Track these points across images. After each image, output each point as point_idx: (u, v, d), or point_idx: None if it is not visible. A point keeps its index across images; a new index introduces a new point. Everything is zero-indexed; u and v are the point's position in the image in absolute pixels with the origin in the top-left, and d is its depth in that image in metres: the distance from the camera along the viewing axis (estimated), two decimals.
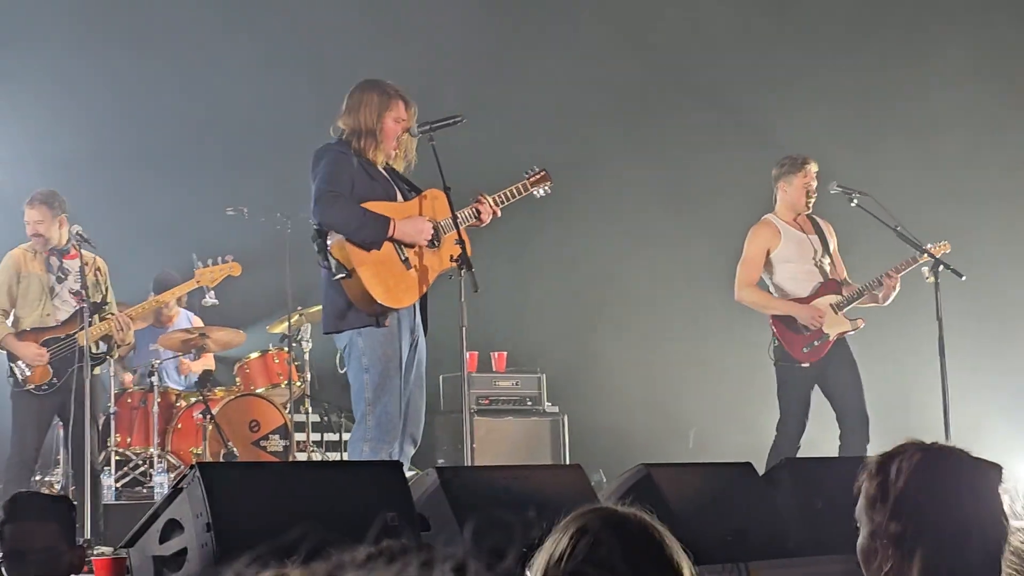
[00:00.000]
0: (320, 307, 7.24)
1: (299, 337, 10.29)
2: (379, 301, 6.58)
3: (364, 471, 5.76)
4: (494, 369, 10.80)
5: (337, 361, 6.97)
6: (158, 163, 12.09)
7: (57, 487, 9.22)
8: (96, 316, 7.93)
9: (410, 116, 6.85)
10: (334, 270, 6.59)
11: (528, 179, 7.24)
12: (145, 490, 9.49)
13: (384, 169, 6.87)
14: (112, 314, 8.17)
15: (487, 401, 10.58)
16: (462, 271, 6.61)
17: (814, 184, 8.48)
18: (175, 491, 4.87)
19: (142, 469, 9.65)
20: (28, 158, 11.33)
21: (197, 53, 11.91)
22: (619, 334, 12.08)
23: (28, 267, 8.13)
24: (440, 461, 10.41)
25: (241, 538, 4.71)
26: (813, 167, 8.47)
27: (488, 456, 9.92)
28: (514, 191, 7.14)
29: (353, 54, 11.39)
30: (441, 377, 10.58)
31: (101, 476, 8.57)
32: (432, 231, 6.75)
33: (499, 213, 6.99)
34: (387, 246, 6.65)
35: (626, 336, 12.08)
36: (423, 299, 6.88)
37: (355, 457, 6.72)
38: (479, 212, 6.88)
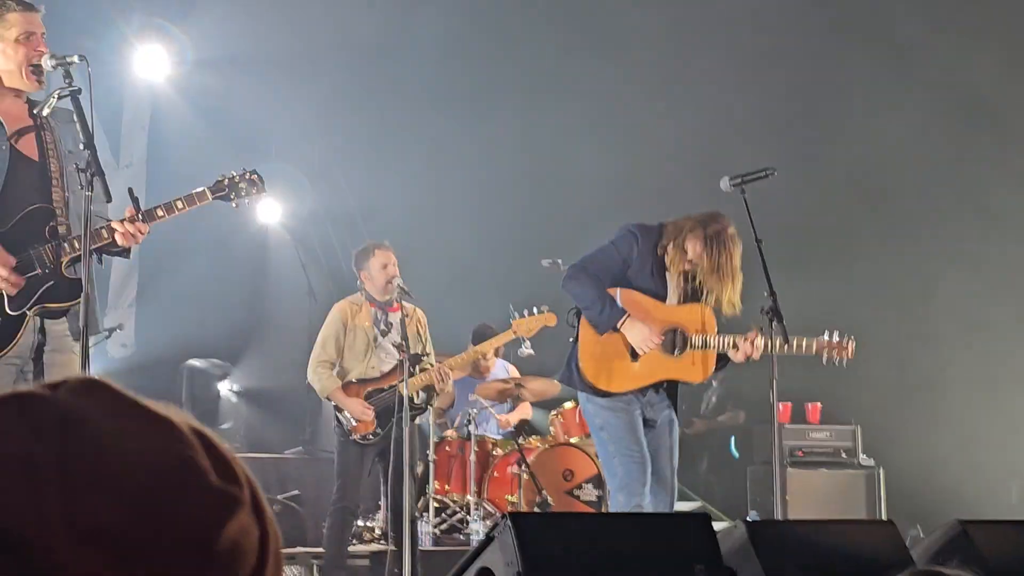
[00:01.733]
0: None
1: None
2: (585, 376, 6.97)
3: (672, 522, 5.79)
4: (808, 420, 10.67)
5: None
6: (475, 215, 12.47)
7: (378, 532, 9.57)
8: (416, 367, 8.20)
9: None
10: (572, 328, 7.07)
11: (828, 345, 6.97)
12: (462, 536, 9.71)
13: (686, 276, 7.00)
14: (431, 365, 8.43)
15: (800, 453, 10.45)
16: (772, 323, 6.58)
17: None
18: (487, 540, 5.01)
19: (459, 516, 9.89)
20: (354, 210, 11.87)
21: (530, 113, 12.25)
22: (935, 386, 11.73)
23: (355, 319, 8.47)
24: (752, 512, 10.33)
25: None
26: None
27: (800, 508, 9.79)
28: (803, 347, 6.92)
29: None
30: (754, 429, 10.51)
31: (419, 523, 8.85)
32: (658, 345, 6.90)
33: (757, 357, 6.85)
34: (620, 335, 6.93)
35: (943, 388, 11.72)
36: (672, 390, 7.10)
37: (615, 508, 7.04)
38: (736, 345, 6.89)
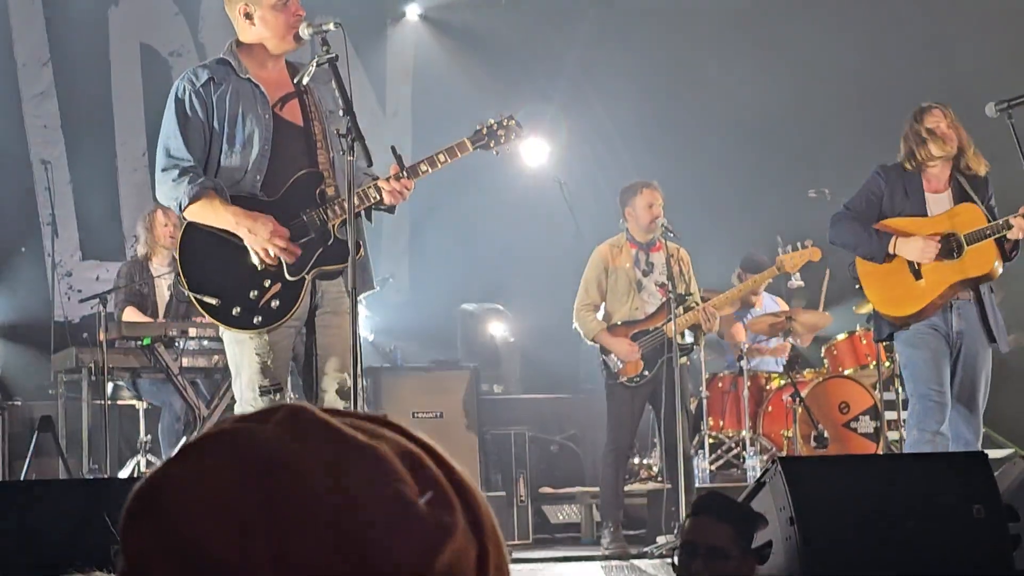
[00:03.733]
0: None
1: None
2: (882, 312, 7.12)
3: (947, 462, 5.65)
4: None
5: None
6: (741, 147, 12.34)
7: (655, 470, 9.62)
8: (681, 307, 8.17)
9: (949, 116, 7.06)
10: (854, 282, 7.24)
11: None
12: (738, 472, 9.69)
13: (956, 176, 7.01)
14: (697, 304, 8.39)
15: None
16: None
17: None
18: (758, 485, 4.99)
19: (735, 452, 9.86)
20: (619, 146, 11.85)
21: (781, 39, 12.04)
22: None
23: (616, 261, 8.49)
24: None
25: (824, 531, 4.79)
26: None
27: None
28: None
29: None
30: None
31: (695, 460, 8.86)
32: (937, 251, 6.89)
33: None
34: (899, 259, 6.99)
35: None
36: (978, 306, 6.98)
37: (909, 441, 7.02)
38: (1010, 224, 6.81)
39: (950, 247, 6.91)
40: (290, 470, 1.02)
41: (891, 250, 6.97)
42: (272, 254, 5.30)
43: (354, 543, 0.99)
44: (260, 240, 5.28)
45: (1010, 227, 6.77)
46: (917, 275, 6.95)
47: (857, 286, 7.28)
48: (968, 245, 6.87)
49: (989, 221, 6.85)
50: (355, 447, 1.05)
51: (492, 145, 5.74)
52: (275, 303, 5.38)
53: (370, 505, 1.01)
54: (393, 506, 1.01)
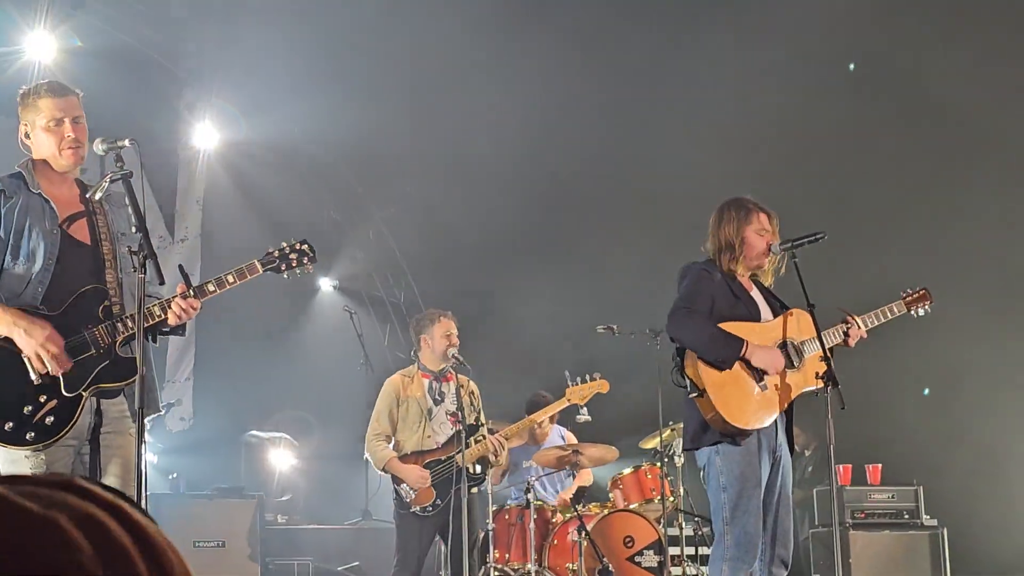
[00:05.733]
0: None
1: (671, 452, 10.32)
2: (730, 422, 6.51)
3: None
4: (869, 482, 10.56)
5: (701, 478, 6.96)
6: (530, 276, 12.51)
7: None
8: (472, 439, 8.20)
9: (773, 226, 6.82)
10: (688, 389, 6.61)
11: (905, 299, 7.08)
12: None
13: (756, 285, 6.86)
14: (486, 436, 8.43)
15: (863, 515, 10.34)
16: (828, 388, 6.51)
17: None
18: None
19: None
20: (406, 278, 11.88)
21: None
22: (1000, 441, 11.56)
23: (407, 391, 8.50)
24: None
25: None
26: None
27: (864, 571, 9.69)
28: (888, 311, 6.98)
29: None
30: (815, 491, 10.41)
31: None
32: (784, 363, 6.63)
33: (865, 335, 6.86)
34: (741, 366, 6.58)
35: (1008, 443, 11.55)
36: (788, 418, 6.77)
37: None
38: (847, 333, 6.79)
39: (788, 356, 6.67)
40: None
41: (742, 355, 6.56)
42: (45, 360, 5.17)
43: None
44: (34, 344, 5.15)
45: (846, 337, 6.76)
46: (763, 386, 6.58)
47: (693, 395, 6.59)
48: (808, 354, 6.69)
49: (816, 326, 6.63)
50: (32, 519, 0.99)
51: (283, 269, 5.72)
52: (50, 419, 5.21)
53: None
54: None
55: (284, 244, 5.75)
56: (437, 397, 8.51)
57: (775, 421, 6.69)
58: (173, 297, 5.37)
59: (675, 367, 6.73)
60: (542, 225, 12.88)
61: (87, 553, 0.98)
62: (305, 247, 5.79)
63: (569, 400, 8.87)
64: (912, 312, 7.09)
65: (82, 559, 0.98)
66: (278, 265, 5.70)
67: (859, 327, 6.83)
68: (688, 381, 6.64)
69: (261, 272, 5.64)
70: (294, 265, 5.75)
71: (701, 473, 6.89)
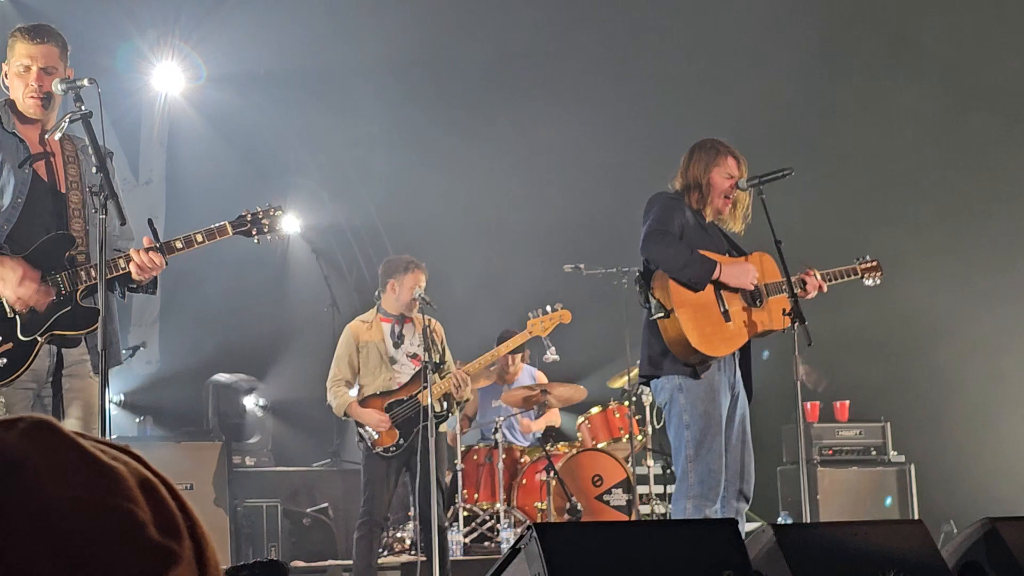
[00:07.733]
0: None
1: (639, 391, 10.33)
2: (694, 346, 6.46)
3: (700, 529, 5.74)
4: (837, 419, 10.61)
5: (661, 416, 6.95)
6: (495, 224, 12.47)
7: (408, 542, 9.55)
8: (436, 376, 8.16)
9: (741, 171, 6.81)
10: (653, 310, 6.55)
11: (859, 265, 7.18)
12: (492, 545, 9.70)
13: (720, 232, 6.85)
14: (449, 372, 8.39)
15: (830, 452, 10.40)
16: (795, 324, 6.52)
17: None
18: (513, 552, 4.98)
19: (489, 524, 9.87)
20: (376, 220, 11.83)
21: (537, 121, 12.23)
22: (966, 377, 11.58)
23: (366, 336, 8.44)
24: (784, 513, 10.29)
25: None
26: None
27: (831, 507, 9.76)
28: (843, 272, 7.07)
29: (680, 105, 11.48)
30: (783, 429, 10.45)
31: (449, 532, 8.82)
32: (756, 278, 6.65)
33: (825, 289, 6.86)
34: (709, 294, 6.55)
35: (974, 379, 11.58)
36: (745, 358, 6.77)
37: (678, 514, 6.63)
38: (805, 283, 6.80)
39: (753, 294, 6.67)
40: (24, 472, 1.02)
41: (717, 276, 6.52)
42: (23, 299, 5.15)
43: (73, 553, 1.00)
44: (11, 285, 5.13)
45: (804, 285, 6.76)
46: (727, 316, 6.57)
47: (658, 316, 6.49)
48: (769, 296, 6.70)
49: (782, 259, 6.66)
50: (94, 463, 1.06)
51: (254, 232, 5.74)
52: (2, 361, 5.19)
53: (99, 520, 1.02)
54: (122, 525, 1.03)
55: (258, 208, 5.79)
56: (397, 340, 8.46)
57: (733, 357, 6.70)
58: (139, 250, 5.32)
59: (640, 290, 6.67)
60: None
61: (141, 506, 1.05)
62: (279, 212, 5.82)
63: (531, 332, 8.69)
64: (865, 280, 7.17)
65: (134, 509, 1.05)
66: (249, 229, 5.73)
67: (817, 279, 6.84)
68: (654, 302, 6.57)
69: (231, 234, 5.67)
70: (265, 230, 5.77)
71: (661, 411, 6.89)
